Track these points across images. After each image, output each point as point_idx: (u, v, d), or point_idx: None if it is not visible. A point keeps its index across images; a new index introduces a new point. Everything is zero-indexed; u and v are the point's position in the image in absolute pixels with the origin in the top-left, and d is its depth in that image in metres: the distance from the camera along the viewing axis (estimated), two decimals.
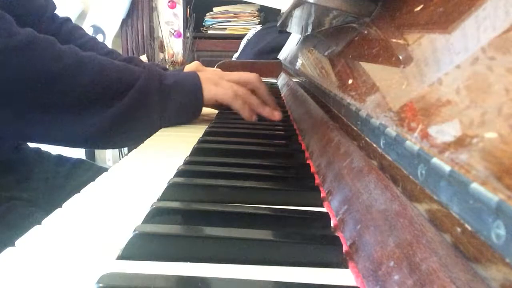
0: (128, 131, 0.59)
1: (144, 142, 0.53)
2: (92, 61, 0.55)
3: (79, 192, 0.34)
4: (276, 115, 0.65)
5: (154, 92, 0.59)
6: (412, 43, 0.27)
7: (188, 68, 0.78)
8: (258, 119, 0.65)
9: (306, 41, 0.83)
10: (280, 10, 1.63)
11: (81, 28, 0.84)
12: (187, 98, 0.61)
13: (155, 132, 0.59)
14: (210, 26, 2.52)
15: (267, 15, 2.46)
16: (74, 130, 0.56)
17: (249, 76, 0.67)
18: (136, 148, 0.50)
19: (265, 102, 0.68)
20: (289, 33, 1.18)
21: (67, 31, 0.80)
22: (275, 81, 1.21)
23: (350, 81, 0.36)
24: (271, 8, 2.08)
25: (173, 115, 0.61)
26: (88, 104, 0.55)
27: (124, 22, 2.46)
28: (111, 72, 0.56)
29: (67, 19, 0.82)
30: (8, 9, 0.55)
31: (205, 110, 0.67)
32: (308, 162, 0.43)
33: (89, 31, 2.15)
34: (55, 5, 0.80)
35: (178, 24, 2.57)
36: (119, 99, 0.56)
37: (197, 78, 0.62)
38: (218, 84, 0.63)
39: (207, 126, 0.61)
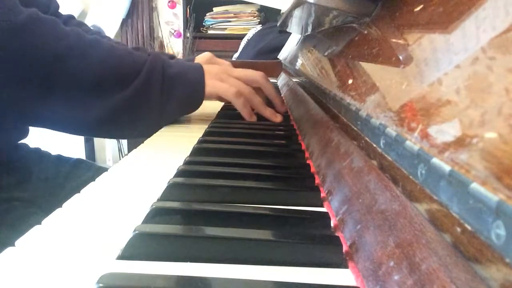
0: (130, 120, 0.58)
1: (144, 142, 0.53)
2: (97, 44, 0.55)
3: (79, 192, 0.34)
4: (278, 117, 0.65)
5: (157, 83, 0.58)
6: (412, 43, 0.27)
7: (200, 58, 0.77)
8: (258, 119, 0.65)
9: (306, 41, 0.83)
10: (280, 10, 1.63)
11: (84, 25, 0.84)
12: (189, 90, 0.60)
13: (157, 124, 0.59)
14: (210, 26, 2.52)
15: (267, 15, 2.46)
16: (77, 115, 0.55)
17: (256, 75, 0.66)
18: (136, 148, 0.50)
19: (272, 100, 0.68)
20: (289, 33, 1.18)
21: None
22: (275, 81, 1.21)
23: (350, 81, 0.36)
24: (271, 8, 2.08)
25: (174, 107, 0.60)
26: (93, 88, 0.54)
27: (124, 22, 2.46)
28: (116, 57, 0.56)
29: (71, 17, 0.82)
30: None
31: (205, 109, 0.67)
32: (308, 162, 0.43)
33: None
34: (58, 4, 0.81)
35: (178, 24, 2.57)
36: (124, 86, 0.55)
37: (200, 72, 0.62)
38: (222, 79, 0.62)
39: (207, 126, 0.61)
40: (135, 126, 0.59)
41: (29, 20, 0.49)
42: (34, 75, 0.51)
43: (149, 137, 0.56)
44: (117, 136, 0.67)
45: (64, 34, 0.52)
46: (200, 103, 0.63)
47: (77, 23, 0.83)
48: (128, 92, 0.56)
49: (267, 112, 0.65)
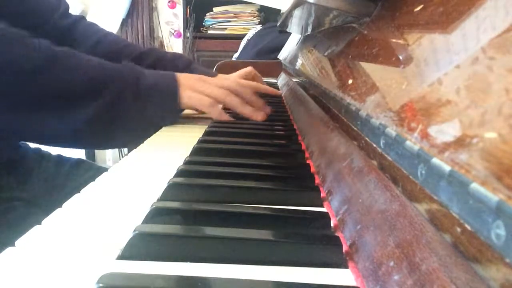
0: (107, 131, 0.57)
1: (144, 142, 0.53)
2: (67, 56, 0.54)
3: (79, 192, 0.34)
4: (259, 116, 0.64)
5: (131, 94, 0.57)
6: (412, 43, 0.27)
7: (243, 72, 0.78)
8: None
9: (306, 41, 0.83)
10: (280, 10, 1.63)
11: (95, 25, 0.85)
12: (163, 103, 0.60)
13: (136, 135, 0.58)
14: (210, 26, 2.52)
15: (267, 15, 2.46)
16: (52, 127, 0.55)
17: (230, 84, 0.65)
18: (136, 148, 0.50)
19: (251, 104, 0.66)
20: (289, 33, 1.18)
21: (81, 28, 0.81)
22: (275, 81, 1.21)
23: (350, 81, 0.36)
24: (271, 8, 2.08)
25: (151, 118, 0.60)
26: (65, 100, 0.54)
27: (124, 22, 2.46)
28: (87, 69, 0.55)
29: (81, 17, 0.83)
30: (16, 6, 0.54)
31: None
32: (308, 162, 0.43)
33: None
34: (67, 4, 0.81)
35: (178, 24, 2.57)
36: (95, 98, 0.55)
37: (174, 83, 0.61)
38: (197, 89, 0.61)
39: (207, 126, 0.61)
40: (112, 137, 0.59)
41: None
42: (3, 90, 0.51)
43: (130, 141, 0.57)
44: (96, 147, 0.67)
45: (32, 48, 0.52)
46: (177, 115, 0.63)
47: (87, 23, 0.83)
48: (101, 103, 0.55)
49: (246, 111, 0.63)
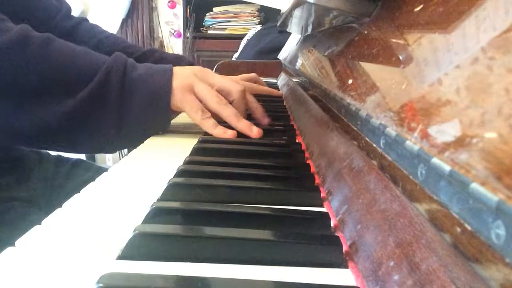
0: (81, 131, 0.51)
1: (144, 142, 0.53)
2: (46, 42, 0.48)
3: (79, 192, 0.34)
4: (254, 131, 0.53)
5: (115, 86, 0.50)
6: (412, 43, 0.27)
7: (245, 77, 0.73)
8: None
9: (306, 41, 0.83)
10: (280, 10, 1.63)
11: (98, 26, 0.85)
12: (150, 97, 0.51)
13: (115, 138, 0.52)
14: (210, 26, 2.52)
15: (267, 15, 2.47)
16: (19, 122, 0.48)
17: (232, 89, 0.56)
18: (136, 148, 0.50)
19: (253, 112, 0.60)
20: (289, 33, 1.18)
21: (83, 30, 0.80)
22: (275, 81, 1.21)
23: (350, 81, 0.36)
24: (271, 8, 2.08)
25: (133, 117, 0.51)
26: (37, 92, 0.48)
27: (124, 22, 2.46)
28: (69, 58, 0.49)
29: (84, 19, 0.83)
30: (17, 8, 0.54)
31: None
32: (308, 162, 0.43)
33: None
34: (69, 6, 0.81)
35: (178, 24, 2.57)
36: (75, 91, 0.48)
37: (167, 76, 0.52)
38: (191, 91, 0.53)
39: None
40: (87, 139, 0.52)
41: None
42: None
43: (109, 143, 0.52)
44: (67, 149, 0.57)
45: (4, 29, 0.46)
46: (167, 117, 0.53)
47: (90, 25, 0.83)
48: (80, 97, 0.48)
49: (240, 126, 0.53)
